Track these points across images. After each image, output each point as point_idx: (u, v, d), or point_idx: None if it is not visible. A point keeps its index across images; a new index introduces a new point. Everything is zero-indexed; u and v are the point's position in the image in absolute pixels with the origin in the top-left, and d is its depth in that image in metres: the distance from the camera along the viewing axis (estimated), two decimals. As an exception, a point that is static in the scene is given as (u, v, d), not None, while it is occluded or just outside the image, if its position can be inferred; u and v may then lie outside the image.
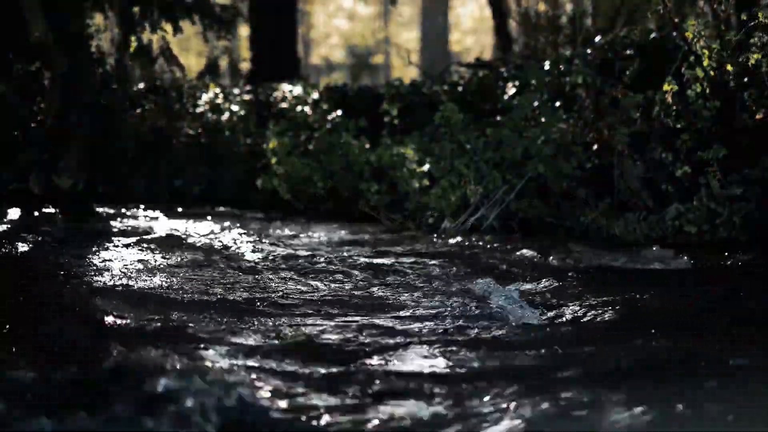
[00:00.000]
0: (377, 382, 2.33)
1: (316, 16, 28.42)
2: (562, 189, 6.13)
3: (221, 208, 8.02)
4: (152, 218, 6.65)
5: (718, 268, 4.59)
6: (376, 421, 2.04)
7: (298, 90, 9.20)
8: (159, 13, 8.51)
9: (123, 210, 7.26)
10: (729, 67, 5.40)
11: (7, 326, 2.84)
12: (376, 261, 4.61)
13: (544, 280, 4.03)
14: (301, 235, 5.89)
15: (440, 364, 2.54)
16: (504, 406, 2.13)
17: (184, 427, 1.90)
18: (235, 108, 9.08)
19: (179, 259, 4.47)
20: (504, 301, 3.54)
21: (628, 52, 6.58)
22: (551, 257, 4.85)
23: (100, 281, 3.71)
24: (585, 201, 6.02)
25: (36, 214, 6.54)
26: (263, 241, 5.44)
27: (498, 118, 6.77)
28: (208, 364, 2.40)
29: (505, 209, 6.14)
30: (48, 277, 3.87)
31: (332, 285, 3.92)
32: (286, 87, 9.42)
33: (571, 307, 3.41)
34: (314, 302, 3.49)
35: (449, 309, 3.39)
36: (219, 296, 3.49)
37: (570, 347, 2.79)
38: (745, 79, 5.38)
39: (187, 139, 8.98)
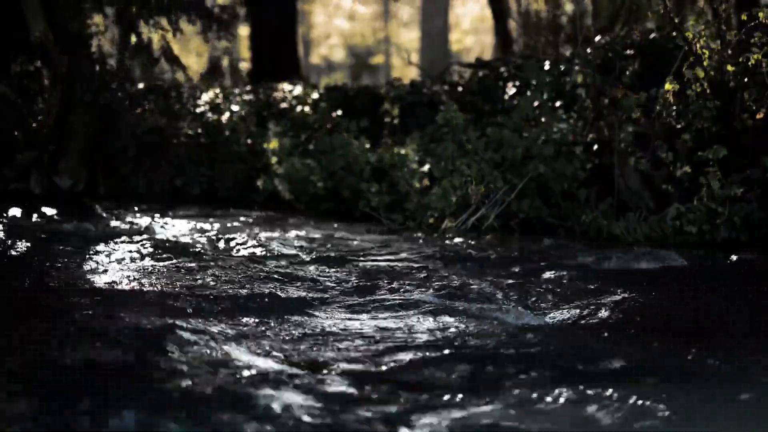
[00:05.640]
0: (383, 380, 2.33)
1: (316, 16, 28.42)
2: (563, 189, 6.13)
3: (221, 208, 8.01)
4: (152, 218, 6.64)
5: (718, 268, 4.58)
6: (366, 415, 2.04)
7: (298, 90, 9.20)
8: (156, 11, 8.50)
9: (123, 210, 7.25)
10: (729, 67, 5.41)
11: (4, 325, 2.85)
12: (375, 261, 4.61)
13: (543, 280, 4.04)
14: (301, 235, 5.89)
15: (439, 363, 2.54)
16: (502, 405, 2.13)
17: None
18: (235, 108, 9.07)
19: (178, 258, 4.47)
20: (503, 302, 3.54)
21: (628, 52, 6.58)
22: (551, 257, 4.85)
23: (98, 280, 3.71)
24: (585, 201, 6.03)
25: (36, 214, 6.53)
26: (263, 241, 5.44)
27: (498, 118, 6.77)
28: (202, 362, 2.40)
29: (505, 209, 6.14)
30: (47, 277, 3.87)
31: (330, 285, 3.92)
32: (286, 87, 9.41)
33: (570, 308, 3.41)
34: (314, 303, 3.49)
35: (447, 309, 3.39)
36: (217, 295, 3.49)
37: (569, 347, 2.79)
38: (745, 79, 5.38)
39: (187, 139, 8.97)
